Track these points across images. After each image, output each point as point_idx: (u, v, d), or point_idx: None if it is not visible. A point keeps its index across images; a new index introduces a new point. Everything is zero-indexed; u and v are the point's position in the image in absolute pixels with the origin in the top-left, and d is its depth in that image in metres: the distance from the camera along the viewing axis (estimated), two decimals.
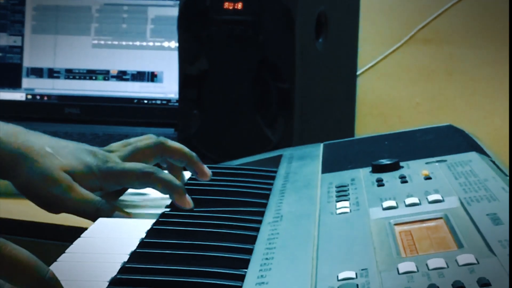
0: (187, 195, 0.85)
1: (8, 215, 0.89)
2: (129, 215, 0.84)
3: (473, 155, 0.86)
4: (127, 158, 0.90)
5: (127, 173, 0.86)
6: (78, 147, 0.89)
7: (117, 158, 0.89)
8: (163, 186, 0.85)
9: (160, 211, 0.83)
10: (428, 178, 0.80)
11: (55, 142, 0.89)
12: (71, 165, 0.86)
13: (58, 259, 0.67)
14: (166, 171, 0.90)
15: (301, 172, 0.93)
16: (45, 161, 0.85)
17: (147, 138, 0.93)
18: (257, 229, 0.74)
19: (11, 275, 0.55)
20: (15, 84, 1.60)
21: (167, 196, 0.86)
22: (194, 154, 0.91)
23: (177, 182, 0.86)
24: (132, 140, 0.94)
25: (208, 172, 0.91)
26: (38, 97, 1.59)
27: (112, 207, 0.84)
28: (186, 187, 0.88)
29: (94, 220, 0.83)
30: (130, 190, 0.93)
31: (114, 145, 0.94)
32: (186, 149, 0.91)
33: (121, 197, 0.91)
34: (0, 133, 0.85)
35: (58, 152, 0.87)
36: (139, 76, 1.56)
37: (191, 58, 1.25)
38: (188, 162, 0.91)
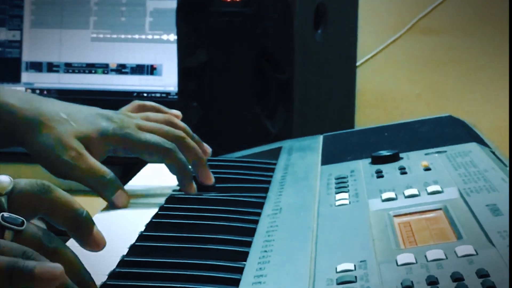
0: (193, 182, 0.87)
1: None
2: (125, 205, 0.84)
3: (473, 146, 0.85)
4: (144, 130, 0.89)
5: (146, 144, 0.87)
6: (93, 112, 0.89)
7: (134, 125, 0.88)
8: (177, 166, 0.86)
9: (160, 200, 0.84)
10: (427, 169, 0.80)
11: (70, 108, 0.88)
12: (85, 131, 0.86)
13: None
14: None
15: (301, 164, 0.93)
16: (59, 127, 0.85)
17: (170, 123, 0.92)
18: (256, 222, 0.74)
19: (52, 210, 0.60)
20: (15, 79, 1.59)
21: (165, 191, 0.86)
22: (205, 158, 0.91)
23: (189, 167, 0.87)
24: (150, 114, 0.93)
25: (212, 179, 0.90)
26: (37, 91, 1.59)
27: (118, 184, 0.84)
28: None
29: (99, 193, 0.84)
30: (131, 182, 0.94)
31: (130, 112, 0.93)
32: (200, 152, 0.90)
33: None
34: (15, 100, 0.85)
35: (73, 118, 0.87)
36: (138, 69, 1.55)
37: (190, 51, 1.25)
38: (197, 163, 0.90)
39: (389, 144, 0.93)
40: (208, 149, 0.94)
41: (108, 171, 0.85)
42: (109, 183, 0.84)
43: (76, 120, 0.86)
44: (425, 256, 0.57)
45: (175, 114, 0.96)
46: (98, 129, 0.87)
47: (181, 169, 0.87)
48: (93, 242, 0.62)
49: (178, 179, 0.87)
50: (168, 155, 0.86)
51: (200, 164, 0.90)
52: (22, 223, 0.57)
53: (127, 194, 0.85)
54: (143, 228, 0.74)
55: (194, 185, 0.87)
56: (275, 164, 0.96)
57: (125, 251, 0.68)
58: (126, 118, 0.89)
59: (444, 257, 0.56)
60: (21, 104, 0.85)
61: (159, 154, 0.87)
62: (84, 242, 0.62)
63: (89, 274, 0.59)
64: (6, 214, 0.56)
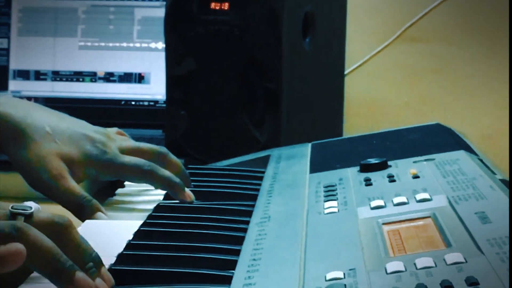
0: (186, 189, 0.87)
1: None
2: (107, 216, 0.84)
3: (461, 154, 0.86)
4: (125, 152, 0.89)
5: (126, 167, 0.87)
6: (78, 131, 0.88)
7: (116, 149, 0.89)
8: (162, 184, 0.87)
9: (152, 205, 0.84)
10: (416, 177, 0.80)
11: (55, 121, 0.88)
12: (69, 153, 0.86)
13: None
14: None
15: (289, 172, 0.93)
16: (43, 143, 0.85)
17: (150, 144, 0.93)
18: (244, 230, 0.74)
19: (34, 260, 0.58)
20: (2, 87, 1.59)
21: (155, 198, 0.86)
22: (188, 175, 0.91)
23: (175, 178, 0.87)
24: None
25: (192, 196, 0.88)
26: (25, 99, 1.58)
27: (95, 206, 0.84)
28: None
29: (76, 214, 0.84)
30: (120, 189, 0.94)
31: (112, 134, 0.93)
32: (183, 168, 0.91)
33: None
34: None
35: (58, 135, 0.86)
36: (126, 78, 1.55)
37: (178, 59, 1.25)
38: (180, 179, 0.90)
39: (378, 152, 0.93)
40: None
41: (85, 195, 0.85)
42: (86, 207, 0.84)
43: (60, 139, 0.86)
44: (414, 264, 0.57)
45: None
46: (81, 152, 0.87)
47: (167, 184, 0.87)
48: None
49: (170, 193, 0.87)
50: (149, 176, 0.87)
51: (183, 180, 0.89)
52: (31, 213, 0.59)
53: (105, 213, 0.85)
54: (131, 237, 0.74)
55: (188, 192, 0.87)
56: (263, 172, 0.95)
57: (113, 260, 0.68)
58: (108, 142, 0.89)
59: (433, 265, 0.56)
60: (7, 108, 0.85)
61: (140, 175, 0.87)
62: None
63: (97, 255, 0.62)
64: (16, 205, 0.59)
